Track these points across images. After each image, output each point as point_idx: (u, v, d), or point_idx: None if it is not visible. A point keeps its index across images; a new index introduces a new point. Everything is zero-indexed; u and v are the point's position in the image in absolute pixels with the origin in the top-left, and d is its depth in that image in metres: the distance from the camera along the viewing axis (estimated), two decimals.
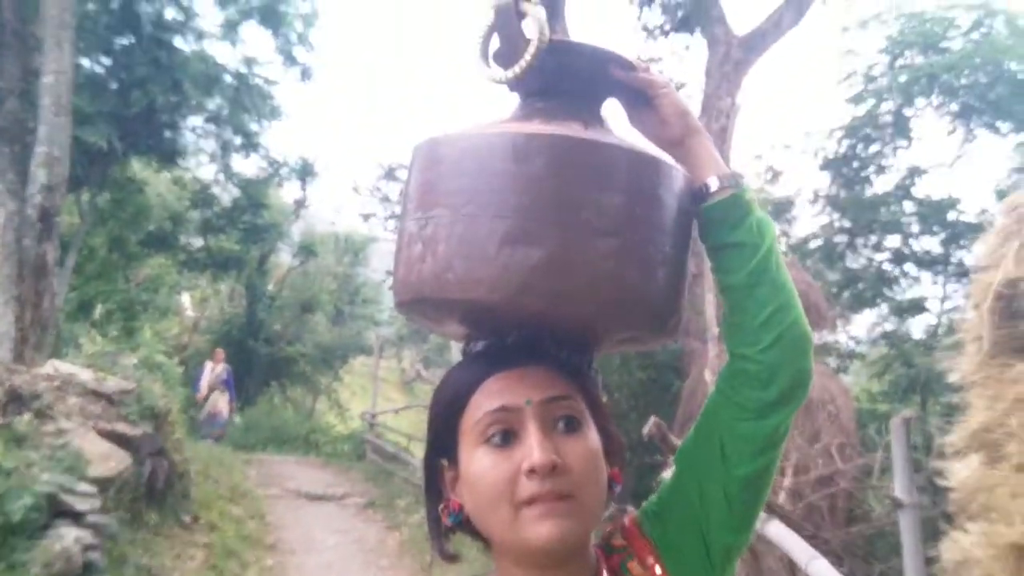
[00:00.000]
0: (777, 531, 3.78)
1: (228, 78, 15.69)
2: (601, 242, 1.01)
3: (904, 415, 2.69)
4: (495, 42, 1.13)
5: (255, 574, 6.86)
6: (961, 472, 4.81)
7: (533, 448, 0.96)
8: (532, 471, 0.95)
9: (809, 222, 14.14)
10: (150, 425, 7.07)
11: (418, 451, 12.69)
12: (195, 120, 16.45)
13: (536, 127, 1.07)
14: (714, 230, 1.09)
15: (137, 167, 16.86)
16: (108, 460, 6.19)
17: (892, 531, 7.67)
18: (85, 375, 7.02)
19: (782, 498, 6.46)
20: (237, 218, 17.81)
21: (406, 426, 15.04)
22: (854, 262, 13.65)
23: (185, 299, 23.71)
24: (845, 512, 7.41)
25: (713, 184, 1.09)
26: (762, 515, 3.97)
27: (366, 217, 17.09)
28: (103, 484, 5.88)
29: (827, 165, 13.65)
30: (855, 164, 13.51)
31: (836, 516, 7.30)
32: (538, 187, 1.01)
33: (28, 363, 7.95)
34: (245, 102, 15.77)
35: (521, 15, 1.08)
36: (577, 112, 1.12)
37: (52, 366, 7.18)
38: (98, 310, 16.86)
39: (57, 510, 5.23)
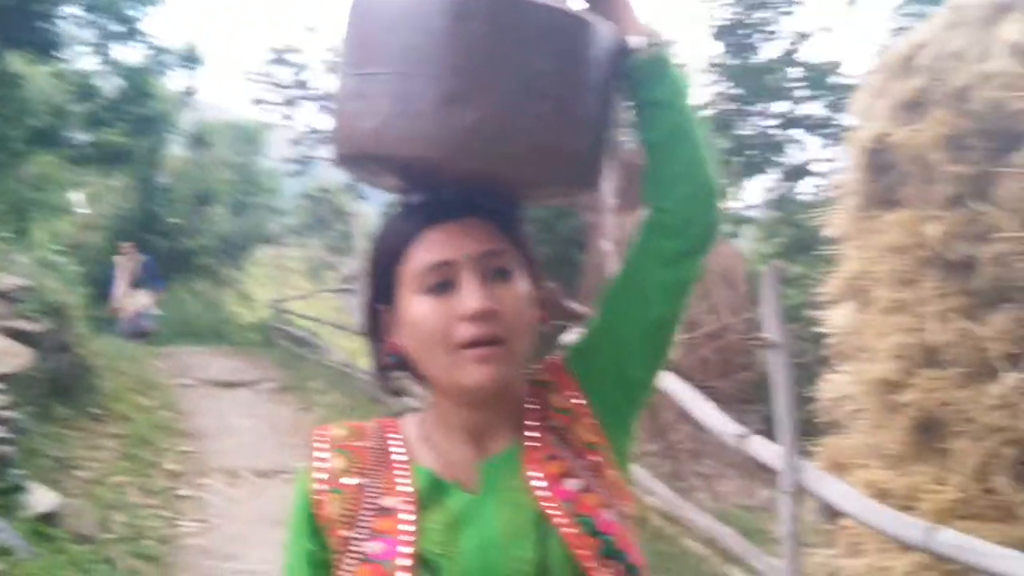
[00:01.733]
0: (669, 383, 4.07)
1: None
2: (536, 104, 1.05)
3: (774, 264, 2.93)
4: None
5: (171, 460, 6.98)
6: (836, 318, 5.20)
7: (471, 295, 1.04)
8: (470, 317, 1.03)
9: (702, 91, 14.34)
10: (51, 321, 7.02)
11: (327, 336, 12.86)
12: (71, 9, 15.73)
13: None
14: (636, 88, 1.15)
15: (14, 61, 16.09)
16: (11, 357, 6.16)
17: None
18: None
19: (676, 353, 6.85)
20: (123, 110, 17.19)
21: (315, 312, 15.11)
22: (744, 129, 14.00)
23: (79, 196, 22.98)
24: (736, 363, 7.89)
25: (636, 43, 1.13)
26: None
27: (258, 102, 16.68)
28: (8, 380, 5.87)
29: (719, 34, 13.81)
30: (742, 31, 13.71)
31: (727, 367, 7.79)
32: (475, 48, 1.03)
33: None
34: None
35: None
36: None
37: None
38: None
39: None
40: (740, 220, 15.24)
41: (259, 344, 15.14)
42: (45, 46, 15.30)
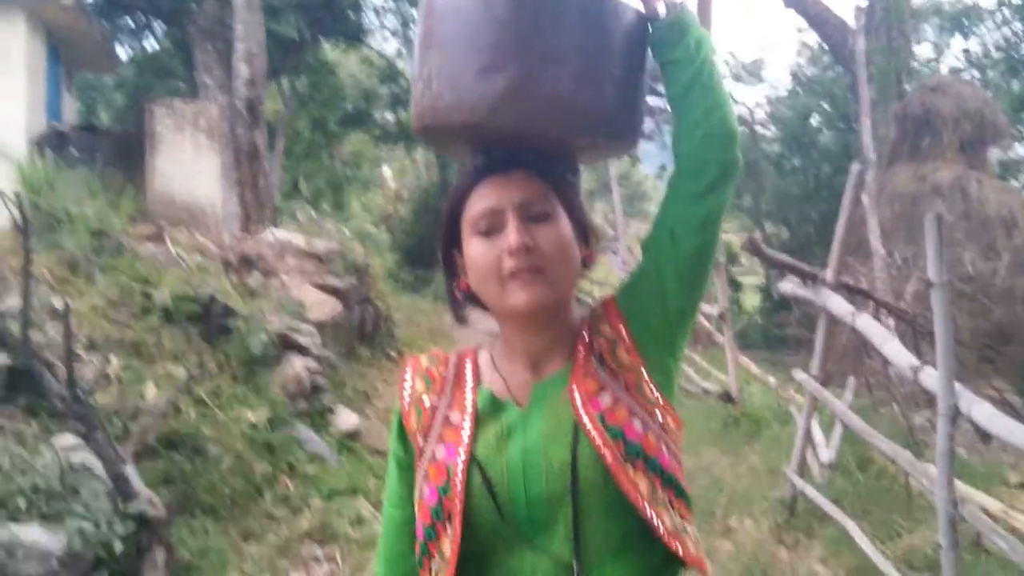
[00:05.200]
0: (863, 321, 4.35)
1: None
2: (555, 69, 1.21)
3: (936, 213, 3.15)
4: None
5: None
6: None
7: (512, 234, 1.21)
8: (511, 251, 1.21)
9: (990, 34, 13.48)
10: (354, 279, 8.26)
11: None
12: None
13: None
14: (659, 50, 1.30)
15: (328, 50, 17.93)
16: (323, 307, 7.38)
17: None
18: (298, 239, 8.24)
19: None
20: None
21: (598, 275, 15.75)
22: None
23: (387, 171, 25.13)
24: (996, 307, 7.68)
25: (661, 10, 1.29)
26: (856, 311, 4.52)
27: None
28: (320, 326, 7.05)
29: None
30: None
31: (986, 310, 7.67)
32: (501, 27, 1.21)
33: (252, 234, 9.30)
34: None
35: None
36: None
37: (271, 234, 8.45)
38: (308, 187, 18.40)
39: (287, 345, 6.41)
40: None
41: None
42: (354, 34, 16.92)
